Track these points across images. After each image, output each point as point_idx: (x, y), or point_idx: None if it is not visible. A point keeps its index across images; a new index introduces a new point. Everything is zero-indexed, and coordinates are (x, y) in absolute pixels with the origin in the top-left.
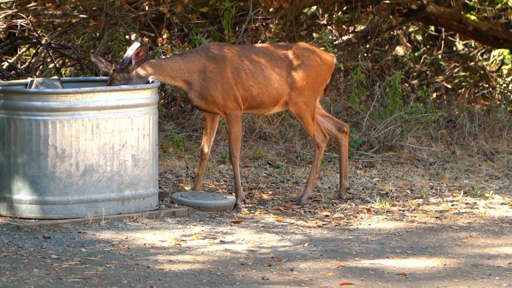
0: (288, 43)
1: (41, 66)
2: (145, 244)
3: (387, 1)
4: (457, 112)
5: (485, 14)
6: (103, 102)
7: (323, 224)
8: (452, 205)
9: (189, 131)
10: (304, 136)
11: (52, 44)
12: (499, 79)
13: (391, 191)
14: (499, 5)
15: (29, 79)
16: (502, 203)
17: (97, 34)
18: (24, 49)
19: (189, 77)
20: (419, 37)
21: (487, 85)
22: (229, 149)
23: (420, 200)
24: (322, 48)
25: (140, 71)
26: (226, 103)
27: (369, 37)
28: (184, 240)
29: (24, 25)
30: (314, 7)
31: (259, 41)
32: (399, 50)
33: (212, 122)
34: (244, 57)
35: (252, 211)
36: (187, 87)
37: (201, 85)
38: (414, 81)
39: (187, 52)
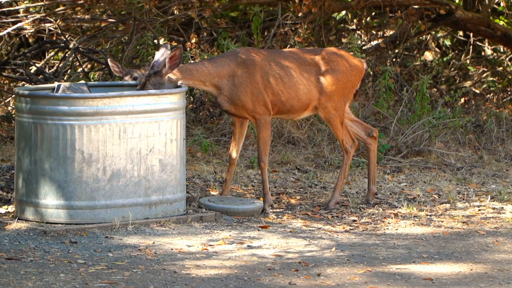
0: (317, 48)
1: (69, 71)
2: (172, 249)
3: (416, 6)
4: (485, 117)
5: None
6: (131, 107)
7: (350, 229)
8: (479, 210)
9: (218, 136)
10: (333, 141)
11: (80, 48)
12: None
13: (419, 196)
14: None
15: (56, 84)
16: None
17: (126, 39)
18: (52, 53)
19: (218, 81)
20: (448, 42)
21: None
22: (257, 154)
23: (447, 205)
24: (351, 53)
25: (171, 75)
26: (256, 108)
27: (397, 42)
28: (211, 245)
29: (53, 29)
30: (343, 12)
31: (288, 45)
32: (428, 55)
33: (241, 127)
34: (273, 62)
35: (280, 216)
36: (216, 91)
37: (231, 90)
38: (443, 86)
39: (217, 57)
